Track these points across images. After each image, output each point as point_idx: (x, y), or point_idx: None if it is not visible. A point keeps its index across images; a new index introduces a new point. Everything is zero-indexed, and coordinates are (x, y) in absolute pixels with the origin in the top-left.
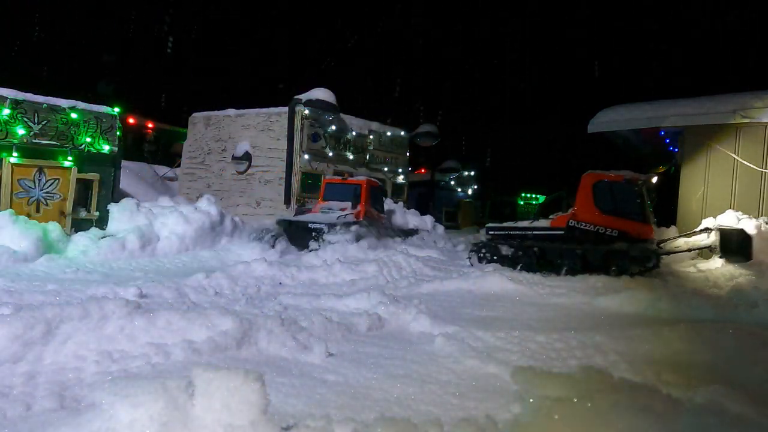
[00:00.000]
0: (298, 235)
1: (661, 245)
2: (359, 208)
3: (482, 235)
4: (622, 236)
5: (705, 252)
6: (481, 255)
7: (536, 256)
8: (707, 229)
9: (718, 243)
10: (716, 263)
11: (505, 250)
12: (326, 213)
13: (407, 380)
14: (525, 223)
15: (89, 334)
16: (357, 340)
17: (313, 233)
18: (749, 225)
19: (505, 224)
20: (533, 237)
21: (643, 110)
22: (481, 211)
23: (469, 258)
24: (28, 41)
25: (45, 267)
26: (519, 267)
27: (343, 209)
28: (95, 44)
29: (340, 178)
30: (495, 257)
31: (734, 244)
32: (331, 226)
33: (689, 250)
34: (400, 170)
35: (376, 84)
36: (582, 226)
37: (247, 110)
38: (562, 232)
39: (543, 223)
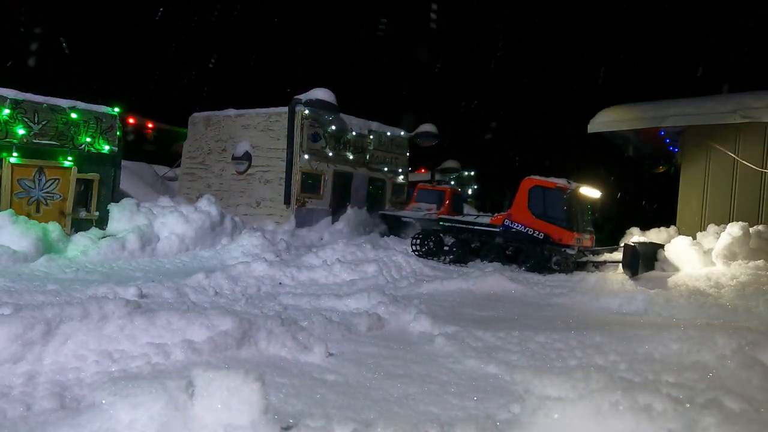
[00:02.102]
0: (395, 225)
1: (588, 254)
2: (443, 209)
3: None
4: (546, 239)
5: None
6: (427, 242)
7: (472, 250)
8: (626, 245)
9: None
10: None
11: (448, 240)
12: (416, 211)
13: (407, 380)
14: (471, 218)
15: (89, 334)
16: (357, 340)
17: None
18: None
19: (453, 217)
20: (474, 232)
21: (643, 110)
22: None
23: (412, 244)
24: (28, 41)
25: (45, 267)
26: (451, 258)
27: (429, 209)
28: (95, 44)
29: (429, 185)
30: (436, 247)
31: (627, 259)
32: (418, 219)
33: (605, 262)
34: (400, 170)
35: (376, 84)
36: (515, 227)
37: (247, 110)
38: (498, 230)
39: (485, 219)
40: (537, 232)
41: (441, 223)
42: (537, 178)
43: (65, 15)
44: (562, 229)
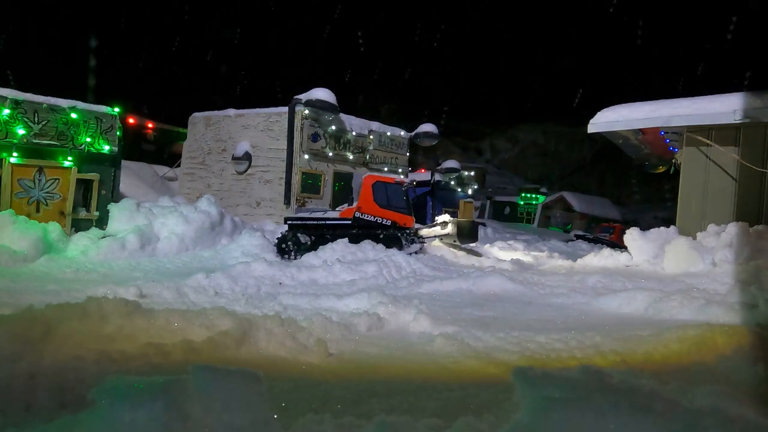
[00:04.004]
0: None
1: (418, 232)
2: (614, 235)
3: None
4: (393, 225)
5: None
6: (284, 247)
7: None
8: (444, 223)
9: (454, 231)
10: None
11: (303, 239)
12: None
13: (407, 381)
14: (319, 214)
15: (89, 334)
16: (357, 340)
17: None
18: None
19: (301, 215)
20: (327, 226)
21: (643, 110)
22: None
23: (275, 249)
24: (28, 41)
25: (45, 267)
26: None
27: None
28: (96, 44)
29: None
30: (295, 247)
31: (465, 231)
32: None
33: (436, 237)
34: (400, 170)
35: (376, 84)
36: (365, 217)
37: (247, 110)
38: (350, 222)
39: (333, 214)
40: (385, 220)
41: (288, 222)
42: (377, 175)
43: (66, 15)
44: (404, 215)
